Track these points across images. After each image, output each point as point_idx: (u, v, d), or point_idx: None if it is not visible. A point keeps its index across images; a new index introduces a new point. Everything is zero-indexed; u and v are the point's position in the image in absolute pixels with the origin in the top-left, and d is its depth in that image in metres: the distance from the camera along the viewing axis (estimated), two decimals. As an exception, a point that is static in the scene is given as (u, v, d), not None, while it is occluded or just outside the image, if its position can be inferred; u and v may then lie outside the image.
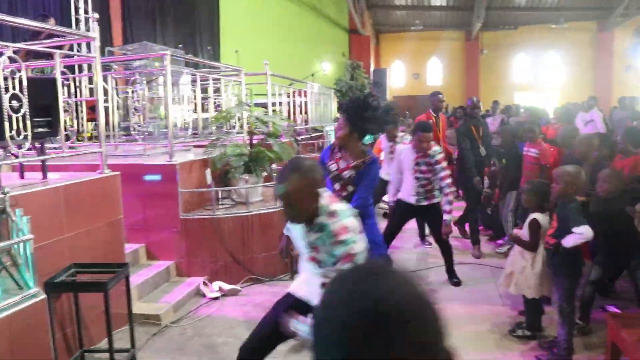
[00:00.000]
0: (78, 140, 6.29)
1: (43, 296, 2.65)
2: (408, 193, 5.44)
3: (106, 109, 6.72)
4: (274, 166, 6.31)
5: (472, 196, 6.69)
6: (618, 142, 6.02)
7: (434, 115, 7.25)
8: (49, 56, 5.43)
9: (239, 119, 7.10)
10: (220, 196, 6.37)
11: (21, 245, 2.89)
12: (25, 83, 3.81)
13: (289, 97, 10.45)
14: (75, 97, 6.27)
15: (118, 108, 6.96)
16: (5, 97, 3.70)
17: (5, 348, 2.43)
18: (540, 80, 22.21)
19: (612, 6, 19.78)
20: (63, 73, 5.16)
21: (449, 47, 22.60)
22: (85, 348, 4.10)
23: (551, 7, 20.10)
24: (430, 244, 6.80)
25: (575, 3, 20.08)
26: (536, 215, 4.15)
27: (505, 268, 4.42)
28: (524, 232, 4.20)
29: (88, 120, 6.69)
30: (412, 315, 0.85)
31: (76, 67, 6.68)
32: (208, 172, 6.06)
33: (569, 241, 3.68)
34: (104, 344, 4.18)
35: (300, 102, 11.65)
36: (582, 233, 3.63)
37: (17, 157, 3.82)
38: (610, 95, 19.90)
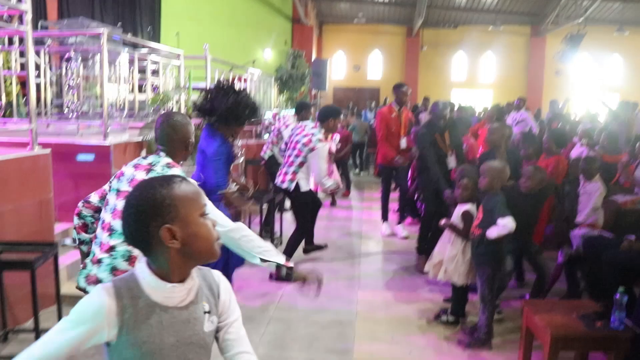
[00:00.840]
0: (6, 116, 6.06)
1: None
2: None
3: (38, 85, 6.53)
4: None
5: (431, 207, 5.95)
6: (543, 141, 6.34)
7: (397, 108, 6.86)
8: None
9: (176, 102, 7.03)
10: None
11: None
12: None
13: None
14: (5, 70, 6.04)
15: (51, 85, 6.74)
16: None
17: None
18: (476, 78, 22.96)
19: (545, 13, 20.70)
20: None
21: (390, 41, 22.95)
22: (10, 328, 4.02)
23: (489, 9, 20.79)
24: None
25: (511, 7, 20.88)
26: (468, 206, 4.37)
27: (432, 257, 4.61)
28: (455, 222, 4.40)
29: (19, 96, 6.46)
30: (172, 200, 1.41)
31: (6, 40, 6.42)
32: (143, 152, 5.98)
33: (492, 232, 3.89)
34: (29, 324, 4.11)
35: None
36: (505, 225, 3.85)
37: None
38: (541, 97, 20.85)
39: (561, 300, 4.51)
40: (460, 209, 4.41)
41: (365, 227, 7.87)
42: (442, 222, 4.51)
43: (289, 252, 5.45)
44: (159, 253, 1.43)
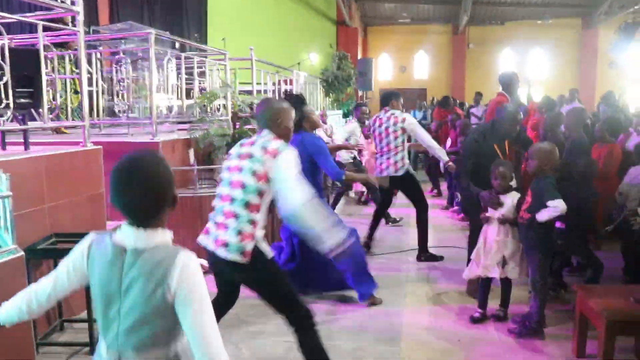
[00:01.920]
0: (60, 119, 6.29)
1: (21, 253, 2.69)
2: None
3: (90, 90, 6.76)
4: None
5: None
6: (595, 130, 6.15)
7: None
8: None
9: (224, 100, 7.13)
10: (203, 176, 6.40)
11: (2, 204, 2.92)
12: (7, 52, 3.83)
13: (274, 85, 10.48)
14: (59, 74, 6.26)
15: (102, 88, 6.95)
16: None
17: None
18: (525, 75, 22.36)
19: (595, 4, 20.02)
20: (48, 48, 5.19)
21: (436, 41, 22.70)
22: (65, 317, 4.14)
23: (537, 3, 20.26)
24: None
25: (560, 0, 20.29)
26: (509, 199, 4.19)
27: (489, 257, 4.19)
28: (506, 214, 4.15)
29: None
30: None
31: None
32: (191, 151, 6.10)
33: (543, 215, 3.77)
34: (83, 314, 4.22)
35: (286, 90, 11.70)
36: (556, 207, 3.72)
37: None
38: (594, 91, 20.14)
39: (616, 285, 4.35)
40: (506, 200, 4.19)
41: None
42: (482, 215, 4.25)
43: (424, 238, 5.90)
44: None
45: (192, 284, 1.58)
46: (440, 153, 5.91)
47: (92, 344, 3.70)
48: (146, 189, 1.57)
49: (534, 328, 3.90)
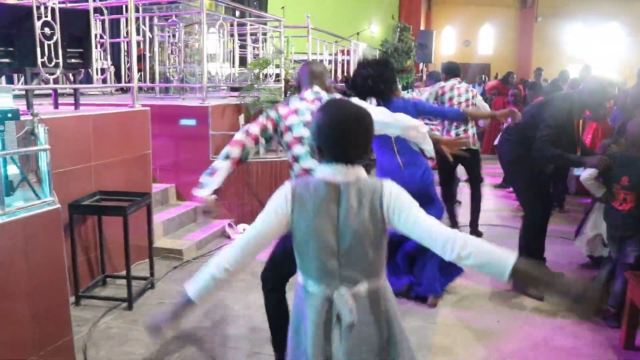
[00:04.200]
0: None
1: (57, 206, 2.75)
2: None
3: (144, 54, 6.86)
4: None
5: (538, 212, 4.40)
6: None
7: None
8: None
9: (277, 67, 7.11)
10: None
11: (41, 157, 3.00)
12: (57, 12, 3.90)
13: (331, 55, 10.36)
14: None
15: (156, 55, 7.03)
16: (37, 24, 3.80)
17: (19, 248, 2.55)
18: (598, 53, 21.21)
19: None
20: (99, 10, 5.27)
21: (502, 14, 21.78)
22: (108, 273, 4.26)
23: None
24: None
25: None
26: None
27: (584, 233, 4.29)
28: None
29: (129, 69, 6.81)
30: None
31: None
32: (241, 117, 6.12)
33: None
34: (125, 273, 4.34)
35: (343, 60, 11.57)
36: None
37: (47, 83, 3.93)
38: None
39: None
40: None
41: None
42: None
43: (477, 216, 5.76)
44: None
45: (401, 201, 1.72)
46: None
47: (130, 300, 3.80)
48: (366, 133, 1.76)
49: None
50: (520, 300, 4.14)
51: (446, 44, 22.71)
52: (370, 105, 2.97)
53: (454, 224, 5.78)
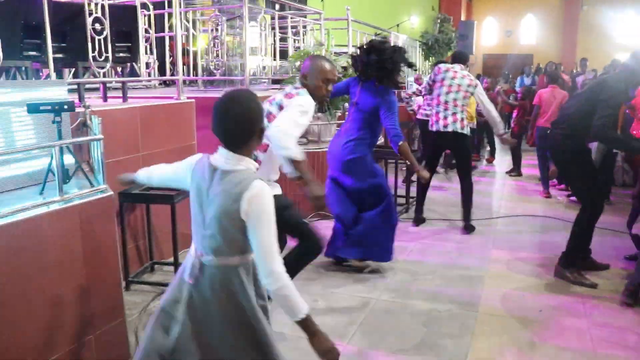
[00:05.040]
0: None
1: (110, 193, 2.87)
2: None
3: (187, 49, 7.00)
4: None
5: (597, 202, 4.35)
6: None
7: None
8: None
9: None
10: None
11: (94, 147, 3.13)
12: (107, 8, 4.04)
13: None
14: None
15: (199, 48, 7.17)
16: (89, 20, 3.95)
17: (75, 233, 2.68)
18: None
19: None
20: (145, 5, 5.42)
21: (546, 2, 21.33)
22: (155, 260, 4.41)
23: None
24: None
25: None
26: None
27: None
28: None
29: (172, 63, 6.96)
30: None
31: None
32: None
33: None
34: (172, 260, 4.47)
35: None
36: None
37: (95, 76, 4.08)
38: None
39: None
40: None
41: (507, 190, 7.54)
42: None
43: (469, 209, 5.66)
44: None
45: (261, 208, 1.85)
46: (500, 125, 5.77)
47: (177, 286, 3.92)
48: (237, 119, 1.88)
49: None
50: (566, 289, 4.11)
51: (488, 34, 22.41)
52: (285, 111, 3.03)
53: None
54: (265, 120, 2.74)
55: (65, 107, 2.81)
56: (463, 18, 19.76)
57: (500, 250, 5.05)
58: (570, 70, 15.10)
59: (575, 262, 4.27)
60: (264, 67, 7.41)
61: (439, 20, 15.25)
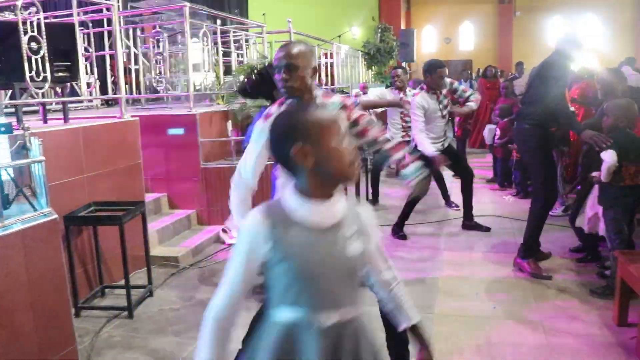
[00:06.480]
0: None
1: (55, 216, 2.77)
2: None
3: (129, 68, 6.88)
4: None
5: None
6: None
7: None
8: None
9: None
10: (240, 148, 6.46)
11: (35, 170, 3.02)
12: (43, 26, 3.92)
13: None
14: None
15: (139, 63, 7.05)
16: (24, 39, 3.82)
17: (19, 260, 2.58)
18: (577, 43, 21.40)
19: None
20: (83, 24, 5.29)
21: (481, 10, 22.05)
22: (106, 284, 4.28)
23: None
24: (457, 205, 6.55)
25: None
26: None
27: (585, 212, 4.41)
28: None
29: (114, 82, 6.82)
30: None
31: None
32: (229, 124, 6.15)
33: (602, 171, 3.69)
34: (123, 282, 4.35)
35: (327, 63, 11.62)
36: (605, 160, 3.63)
37: (34, 97, 3.95)
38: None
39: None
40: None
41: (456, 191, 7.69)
42: (594, 174, 4.05)
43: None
44: (299, 173, 1.47)
45: None
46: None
47: (130, 308, 3.82)
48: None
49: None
50: (519, 284, 4.21)
51: (427, 42, 22.92)
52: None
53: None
54: None
55: (2, 129, 2.71)
56: (403, 27, 20.15)
57: (452, 252, 5.13)
58: (507, 73, 15.59)
59: (532, 254, 4.46)
60: (206, 82, 7.35)
61: (379, 30, 15.49)
